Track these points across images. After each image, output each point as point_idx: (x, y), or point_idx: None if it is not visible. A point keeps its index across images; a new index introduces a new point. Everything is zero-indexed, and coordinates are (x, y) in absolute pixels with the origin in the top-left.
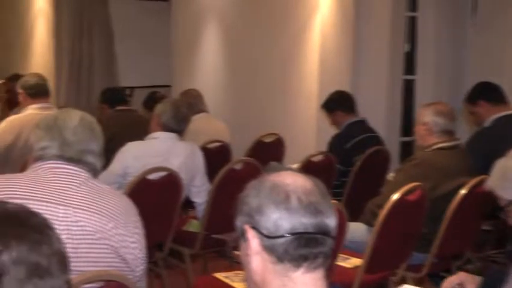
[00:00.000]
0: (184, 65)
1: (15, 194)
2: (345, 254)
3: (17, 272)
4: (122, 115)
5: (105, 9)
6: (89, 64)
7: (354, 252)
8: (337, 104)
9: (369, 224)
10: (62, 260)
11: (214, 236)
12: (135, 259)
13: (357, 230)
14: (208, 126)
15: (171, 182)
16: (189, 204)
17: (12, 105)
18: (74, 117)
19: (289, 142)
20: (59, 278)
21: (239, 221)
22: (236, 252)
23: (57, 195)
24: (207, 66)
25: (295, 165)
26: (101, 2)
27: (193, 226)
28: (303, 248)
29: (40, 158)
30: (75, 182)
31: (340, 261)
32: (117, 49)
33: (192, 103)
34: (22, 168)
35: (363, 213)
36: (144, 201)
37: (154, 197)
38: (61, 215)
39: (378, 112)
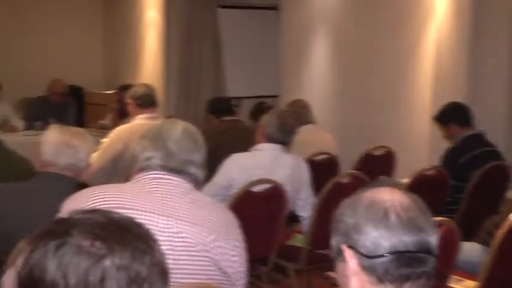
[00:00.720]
0: (292, 74)
1: (121, 204)
2: (459, 275)
3: (118, 278)
4: (227, 125)
5: (213, 18)
6: (198, 74)
7: (468, 274)
8: (452, 116)
9: (485, 244)
10: (163, 272)
11: (319, 251)
12: (235, 272)
13: (471, 250)
14: (315, 137)
15: (275, 195)
16: (293, 218)
17: (122, 115)
18: (178, 127)
19: (399, 155)
20: None
21: (335, 241)
22: (331, 274)
23: (159, 206)
24: (316, 76)
25: (405, 180)
26: (210, 11)
27: (298, 240)
28: (405, 267)
29: (144, 168)
30: (177, 193)
31: (453, 283)
32: (225, 58)
33: (299, 114)
34: (127, 178)
35: (479, 233)
36: (248, 214)
37: (259, 210)
38: (163, 225)
39: (497, 125)
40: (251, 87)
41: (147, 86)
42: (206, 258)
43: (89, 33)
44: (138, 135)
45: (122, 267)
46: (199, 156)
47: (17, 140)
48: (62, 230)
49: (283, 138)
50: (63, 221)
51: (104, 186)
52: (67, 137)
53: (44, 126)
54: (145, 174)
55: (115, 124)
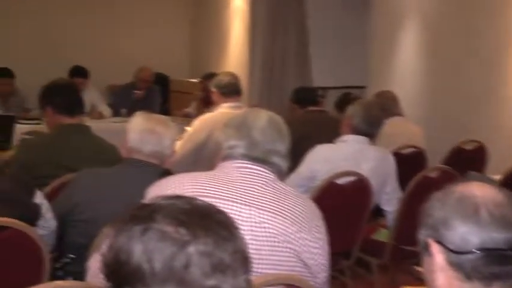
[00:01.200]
0: (381, 65)
1: (205, 192)
2: None
3: (202, 265)
4: (312, 116)
5: (301, 6)
6: (283, 63)
7: None
8: None
9: None
10: (244, 260)
11: (404, 247)
12: (317, 265)
13: None
14: (403, 130)
15: (360, 188)
16: (378, 211)
17: (207, 103)
18: (263, 117)
19: (492, 150)
20: (240, 276)
21: (422, 234)
22: (418, 268)
23: (242, 195)
24: (405, 67)
25: (497, 176)
26: (297, 0)
27: (382, 235)
28: (495, 266)
29: (228, 157)
30: (260, 183)
31: None
32: (311, 47)
33: (386, 105)
34: (211, 166)
35: None
36: (332, 207)
37: (343, 203)
38: (245, 215)
39: None
40: (337, 77)
41: (231, 74)
42: (288, 250)
43: (176, 21)
44: (222, 124)
45: (205, 253)
46: (283, 146)
47: (104, 127)
48: (146, 215)
49: (369, 130)
50: (147, 206)
51: (188, 174)
52: (151, 124)
53: (130, 113)
54: (228, 162)
55: (199, 112)
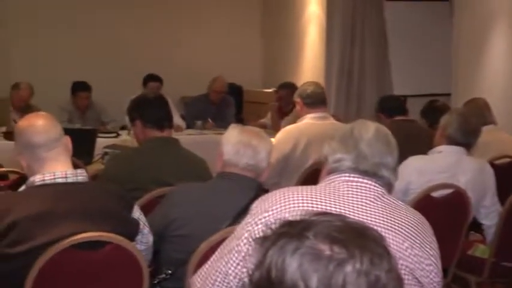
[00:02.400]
0: (467, 71)
1: (314, 207)
2: None
3: (359, 284)
4: (401, 126)
5: (379, 12)
6: (360, 71)
7: None
8: None
9: None
10: (399, 278)
11: (504, 263)
12: (430, 283)
13: None
14: (495, 139)
15: (457, 201)
16: (476, 226)
17: (282, 113)
18: (370, 129)
19: None
20: None
21: None
22: None
23: (352, 210)
24: (494, 73)
25: None
26: (376, 5)
27: (480, 251)
28: None
29: (334, 171)
30: (370, 197)
31: None
32: (391, 55)
33: (480, 113)
34: (299, 179)
35: None
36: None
37: (439, 217)
38: None
39: None
40: (418, 85)
41: (316, 84)
42: (402, 267)
43: (248, 30)
44: (307, 135)
45: (362, 272)
46: (391, 158)
47: (181, 139)
48: (297, 232)
49: (466, 140)
50: (297, 223)
51: (294, 187)
52: (247, 137)
53: (205, 125)
54: (335, 176)
55: (275, 123)
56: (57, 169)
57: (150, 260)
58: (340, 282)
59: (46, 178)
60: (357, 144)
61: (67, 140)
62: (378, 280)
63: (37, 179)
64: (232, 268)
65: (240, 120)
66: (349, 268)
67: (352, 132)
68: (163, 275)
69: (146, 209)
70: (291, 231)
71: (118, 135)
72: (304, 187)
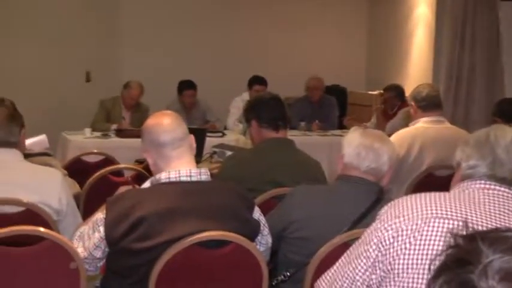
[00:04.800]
0: None
1: (448, 215)
2: None
3: None
4: None
5: (492, 13)
6: (469, 74)
7: None
8: None
9: None
10: None
11: None
12: None
13: None
14: None
15: None
16: None
17: (387, 116)
18: (508, 134)
19: None
20: None
21: None
22: None
23: (491, 220)
24: None
25: None
26: (489, 5)
27: None
28: None
29: (468, 177)
30: (509, 206)
31: None
32: (504, 57)
33: None
34: (417, 185)
35: None
36: None
37: None
38: None
39: None
40: None
41: (431, 86)
42: None
43: (352, 32)
44: (421, 139)
45: None
46: None
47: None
48: (475, 255)
49: None
50: (471, 241)
51: (428, 194)
52: (369, 139)
53: (309, 126)
54: (470, 183)
55: (379, 126)
56: (182, 167)
57: (269, 262)
58: None
59: (171, 176)
60: (493, 150)
61: (191, 139)
62: None
63: (163, 176)
64: (360, 274)
65: (343, 122)
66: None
67: (488, 137)
68: (282, 277)
69: (261, 210)
70: (468, 256)
71: (224, 134)
72: (437, 193)
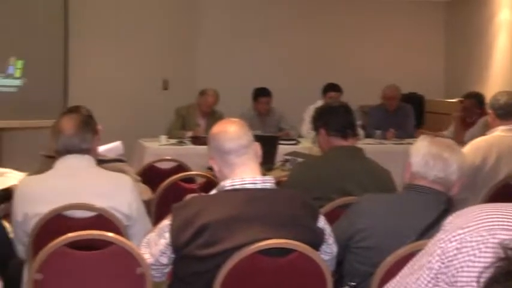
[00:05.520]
0: None
1: None
2: None
3: None
4: None
5: None
6: None
7: None
8: None
9: None
10: None
11: None
12: None
13: None
14: None
15: None
16: None
17: (466, 125)
18: None
19: None
20: None
21: None
22: None
23: None
24: None
25: None
26: None
27: None
28: None
29: None
30: None
31: None
32: None
33: None
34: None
35: None
36: None
37: None
38: None
39: None
40: None
41: (509, 94)
42: None
43: (430, 38)
44: (497, 148)
45: None
46: None
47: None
48: None
49: None
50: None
51: (495, 204)
52: (437, 148)
53: (384, 134)
54: None
55: (458, 135)
56: (247, 175)
57: (334, 271)
58: None
59: (236, 183)
60: None
61: (256, 147)
62: None
63: (227, 183)
64: (423, 285)
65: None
66: None
67: None
68: (347, 286)
69: (328, 219)
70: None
71: (298, 142)
72: (505, 204)
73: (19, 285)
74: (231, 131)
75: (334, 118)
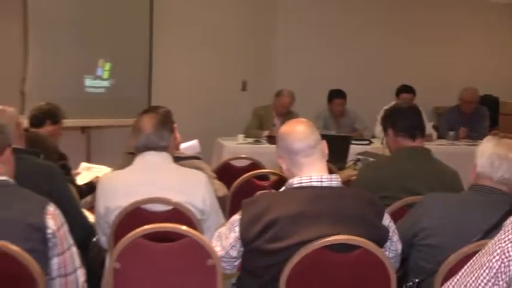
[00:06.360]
0: None
1: None
2: None
3: None
4: None
5: None
6: None
7: None
8: None
9: None
10: None
11: None
12: None
13: None
14: None
15: None
16: None
17: None
18: None
19: None
20: None
21: None
22: None
23: None
24: None
25: None
26: None
27: None
28: None
29: None
30: None
31: None
32: None
33: None
34: None
35: None
36: None
37: None
38: None
39: None
40: None
41: None
42: None
43: (505, 40)
44: None
45: None
46: None
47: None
48: None
49: None
50: None
51: None
52: (503, 149)
53: (457, 136)
54: None
55: None
56: (314, 173)
57: (398, 268)
58: None
59: (303, 181)
60: None
61: (323, 146)
62: None
63: (295, 181)
64: (483, 284)
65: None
66: None
67: None
68: (411, 283)
69: (395, 217)
70: None
71: (371, 142)
72: None
73: (99, 273)
74: (299, 131)
75: (402, 119)
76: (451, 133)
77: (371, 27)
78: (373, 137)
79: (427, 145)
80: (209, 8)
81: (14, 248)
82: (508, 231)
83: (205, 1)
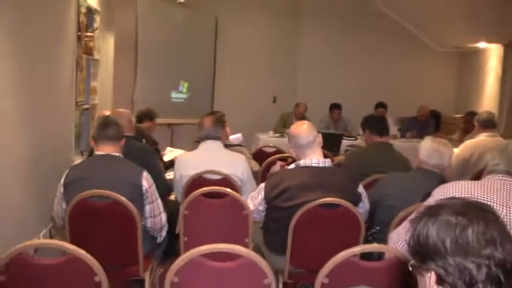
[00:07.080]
0: None
1: (475, 195)
2: None
3: (479, 240)
4: None
5: None
6: None
7: None
8: None
9: None
10: (508, 234)
11: None
12: None
13: None
14: None
15: None
16: None
17: (467, 132)
18: None
19: None
20: (506, 245)
21: None
22: None
23: (505, 200)
24: None
25: None
26: None
27: None
28: None
29: (492, 172)
30: None
31: None
32: None
33: None
34: (474, 177)
35: None
36: None
37: None
38: (504, 213)
39: None
40: None
41: (489, 112)
42: None
43: (444, 69)
44: (481, 148)
45: (480, 232)
46: None
47: (396, 145)
48: (435, 211)
49: None
50: (434, 206)
51: (464, 181)
52: (437, 144)
53: (413, 136)
54: (493, 176)
55: (461, 139)
56: (314, 158)
57: (366, 220)
58: (466, 240)
59: (307, 163)
60: (509, 154)
61: (320, 138)
62: (492, 236)
63: (301, 162)
64: (403, 231)
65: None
66: (470, 230)
67: (507, 146)
68: (374, 230)
69: (368, 187)
70: (430, 211)
71: (356, 138)
72: (471, 181)
73: (175, 219)
74: (303, 130)
75: (374, 123)
76: (408, 134)
77: (360, 57)
78: (359, 135)
79: (393, 141)
80: (253, 40)
81: (122, 198)
82: (433, 196)
83: (251, 38)
